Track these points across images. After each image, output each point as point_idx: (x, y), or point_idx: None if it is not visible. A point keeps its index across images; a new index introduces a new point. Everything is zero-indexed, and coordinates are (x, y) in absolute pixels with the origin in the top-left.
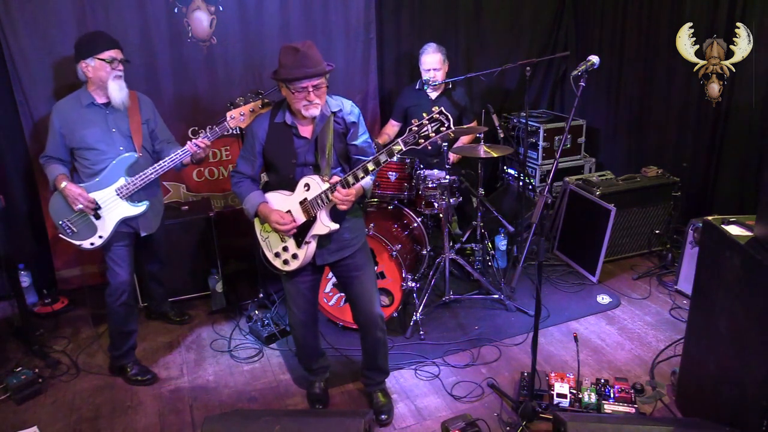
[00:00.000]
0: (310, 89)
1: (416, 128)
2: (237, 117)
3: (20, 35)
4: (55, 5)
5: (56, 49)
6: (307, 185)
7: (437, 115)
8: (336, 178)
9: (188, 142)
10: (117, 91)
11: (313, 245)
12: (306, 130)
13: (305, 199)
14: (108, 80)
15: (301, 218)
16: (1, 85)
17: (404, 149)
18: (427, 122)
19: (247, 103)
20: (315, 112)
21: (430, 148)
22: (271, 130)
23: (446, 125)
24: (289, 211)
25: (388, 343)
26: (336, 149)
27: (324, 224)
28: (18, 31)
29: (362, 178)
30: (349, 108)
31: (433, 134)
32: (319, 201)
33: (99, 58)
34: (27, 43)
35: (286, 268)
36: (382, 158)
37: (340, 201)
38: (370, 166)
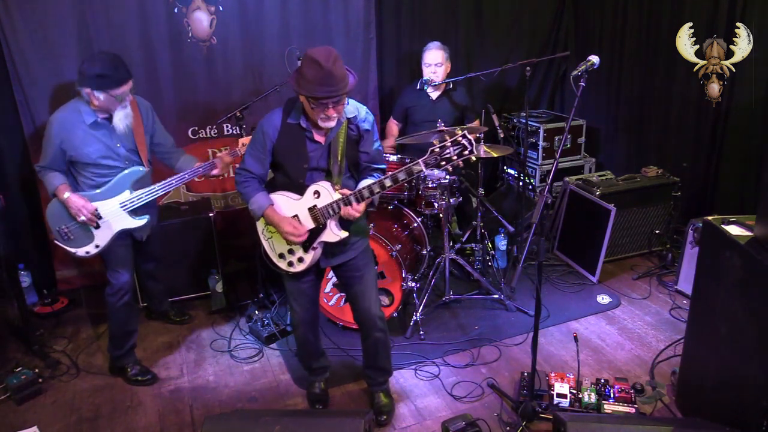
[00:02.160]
0: (330, 105)
1: (438, 149)
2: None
3: (20, 35)
4: (55, 5)
5: (56, 49)
6: (317, 192)
7: (460, 138)
8: (346, 191)
9: (216, 158)
10: (122, 119)
11: (319, 250)
12: (320, 136)
13: (315, 206)
14: (115, 111)
15: (309, 224)
16: (1, 85)
17: (425, 171)
18: (449, 144)
19: None
20: (331, 125)
21: (450, 170)
22: (283, 129)
23: (469, 149)
24: (296, 216)
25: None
26: (347, 156)
27: (334, 233)
28: (18, 31)
29: (377, 192)
30: (363, 115)
31: (455, 157)
32: (330, 210)
33: (112, 94)
34: (27, 43)
35: (291, 269)
36: (401, 176)
37: (351, 214)
38: (387, 183)
